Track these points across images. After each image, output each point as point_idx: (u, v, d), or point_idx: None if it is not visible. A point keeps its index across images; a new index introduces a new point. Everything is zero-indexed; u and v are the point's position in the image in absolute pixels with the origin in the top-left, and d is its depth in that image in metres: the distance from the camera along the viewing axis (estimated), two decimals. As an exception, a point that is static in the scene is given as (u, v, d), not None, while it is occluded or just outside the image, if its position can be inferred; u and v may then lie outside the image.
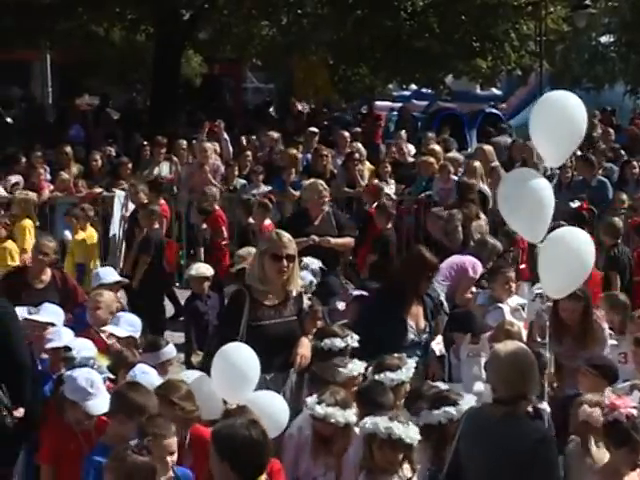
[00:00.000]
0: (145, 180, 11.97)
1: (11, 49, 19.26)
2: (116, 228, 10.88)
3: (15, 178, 11.92)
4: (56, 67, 26.11)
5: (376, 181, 11.49)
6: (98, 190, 11.73)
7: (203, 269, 8.05)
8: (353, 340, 5.49)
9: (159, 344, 5.52)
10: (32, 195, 10.56)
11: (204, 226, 10.36)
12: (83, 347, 5.23)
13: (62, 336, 5.42)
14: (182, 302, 9.13)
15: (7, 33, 17.48)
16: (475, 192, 9.69)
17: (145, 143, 13.37)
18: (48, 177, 12.02)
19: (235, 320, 5.33)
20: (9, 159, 12.63)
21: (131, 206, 10.61)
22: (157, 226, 9.17)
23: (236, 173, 12.21)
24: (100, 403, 4.58)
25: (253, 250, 6.94)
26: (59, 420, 4.70)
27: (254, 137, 14.60)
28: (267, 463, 3.79)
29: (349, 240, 8.32)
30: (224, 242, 10.10)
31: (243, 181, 12.08)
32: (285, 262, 5.38)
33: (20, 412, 5.10)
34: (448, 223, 9.03)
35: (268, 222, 9.86)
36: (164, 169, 12.64)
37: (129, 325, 5.80)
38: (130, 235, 9.67)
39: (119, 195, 11.37)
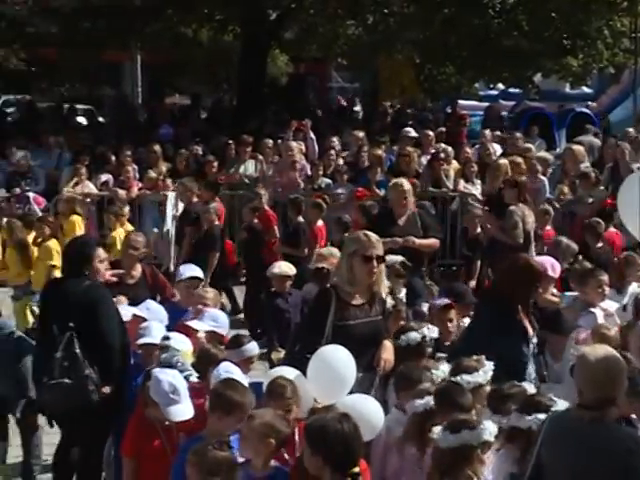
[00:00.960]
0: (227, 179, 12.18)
1: (103, 51, 19.78)
2: (168, 227, 10.90)
3: (105, 177, 12.23)
4: (146, 68, 26.70)
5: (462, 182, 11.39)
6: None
7: (285, 267, 8.05)
8: (431, 331, 5.45)
9: (242, 341, 5.55)
10: (92, 190, 10.65)
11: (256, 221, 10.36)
12: (180, 341, 5.35)
13: (153, 332, 5.53)
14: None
15: (99, 35, 17.97)
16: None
17: (230, 142, 13.54)
18: (137, 175, 12.29)
19: (321, 320, 5.33)
20: (100, 158, 12.95)
21: (181, 206, 10.75)
22: (217, 222, 9.19)
23: (321, 172, 12.24)
24: (181, 409, 4.67)
25: (334, 250, 6.94)
26: (144, 415, 4.79)
27: (339, 137, 14.62)
28: (360, 456, 3.79)
29: (434, 241, 8.20)
30: (274, 240, 10.16)
31: (328, 180, 12.10)
32: (375, 263, 5.36)
33: (107, 389, 5.37)
34: (508, 220, 8.86)
35: (320, 223, 9.89)
36: (249, 168, 12.77)
37: (212, 320, 5.88)
38: (180, 234, 9.75)
39: (171, 196, 11.52)
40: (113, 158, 12.77)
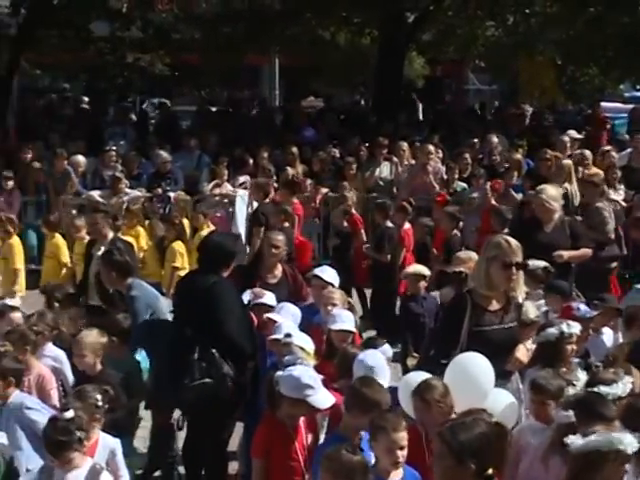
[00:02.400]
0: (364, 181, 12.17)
1: (243, 55, 20.23)
2: (241, 227, 10.87)
3: (243, 178, 12.46)
4: (284, 70, 27.12)
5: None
6: (324, 190, 12.00)
7: (419, 268, 7.93)
8: (570, 327, 5.29)
9: (376, 343, 5.53)
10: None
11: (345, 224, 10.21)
12: (302, 339, 5.39)
13: (284, 331, 5.58)
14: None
15: (240, 40, 18.39)
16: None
17: (365, 144, 13.53)
18: (274, 177, 12.45)
19: (456, 325, 5.23)
20: (239, 160, 13.22)
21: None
22: (287, 224, 9.14)
23: (456, 176, 12.06)
24: (325, 397, 4.71)
25: (473, 254, 6.79)
26: (272, 417, 4.82)
27: (475, 140, 14.37)
28: (501, 458, 3.66)
29: (585, 252, 7.78)
30: (363, 245, 10.05)
31: (463, 184, 11.91)
32: (514, 270, 5.23)
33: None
34: (596, 216, 8.59)
35: (407, 226, 9.72)
36: (384, 170, 12.73)
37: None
38: (250, 233, 9.74)
39: (242, 195, 11.53)
40: (251, 160, 12.99)
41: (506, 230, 9.07)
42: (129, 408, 5.55)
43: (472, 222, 10.42)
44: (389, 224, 9.68)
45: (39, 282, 9.59)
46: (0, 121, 15.84)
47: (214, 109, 21.13)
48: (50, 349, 5.90)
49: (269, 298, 6.29)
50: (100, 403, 4.79)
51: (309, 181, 11.88)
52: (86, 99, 21.89)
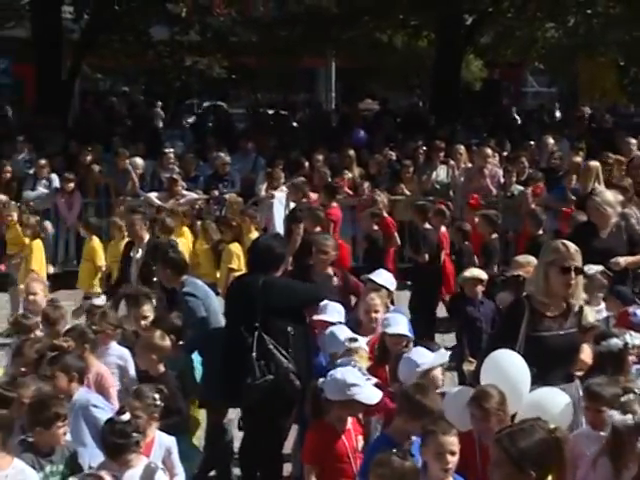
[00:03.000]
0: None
1: (299, 57, 20.31)
2: (279, 229, 10.79)
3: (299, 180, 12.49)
4: (340, 73, 27.15)
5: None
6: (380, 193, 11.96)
7: (477, 272, 7.84)
8: (633, 337, 5.18)
9: (432, 348, 5.49)
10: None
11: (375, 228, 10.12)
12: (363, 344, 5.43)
13: (339, 334, 5.59)
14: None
15: (297, 42, 18.47)
16: None
17: (423, 147, 13.46)
18: (329, 180, 12.45)
19: (513, 330, 5.16)
20: (294, 162, 13.25)
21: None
22: (318, 229, 9.07)
23: (514, 179, 11.91)
24: (372, 393, 4.72)
25: (532, 259, 6.69)
26: (320, 421, 4.82)
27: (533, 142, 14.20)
28: (564, 463, 3.59)
29: None
30: (395, 248, 10.00)
31: (520, 187, 11.75)
32: (572, 275, 5.13)
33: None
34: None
35: (444, 229, 9.68)
36: (441, 173, 12.64)
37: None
38: (287, 233, 9.68)
39: (279, 197, 11.49)
40: (306, 163, 13.02)
41: (540, 232, 9.15)
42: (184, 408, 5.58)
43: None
44: (427, 226, 9.65)
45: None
46: (62, 124, 16.13)
47: (270, 112, 21.26)
48: (115, 347, 5.96)
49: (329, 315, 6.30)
50: (158, 402, 4.84)
51: (366, 184, 11.85)
52: (145, 102, 22.21)
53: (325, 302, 6.12)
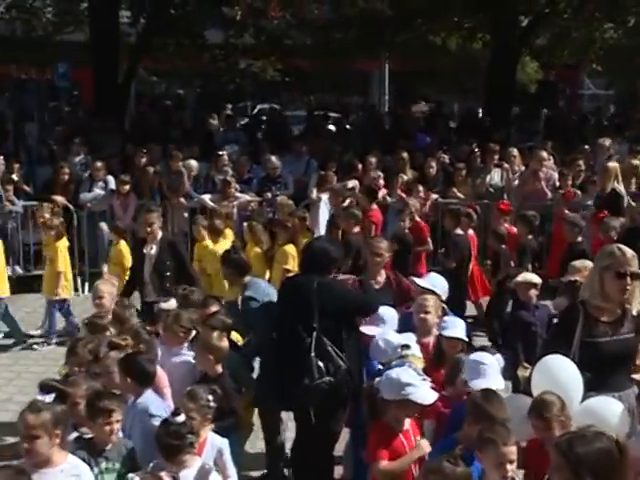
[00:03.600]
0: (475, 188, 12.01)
1: (353, 60, 20.31)
2: (322, 232, 10.72)
3: (352, 183, 12.47)
4: (393, 76, 27.10)
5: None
6: (434, 196, 11.90)
7: (530, 276, 7.74)
8: None
9: (487, 351, 5.43)
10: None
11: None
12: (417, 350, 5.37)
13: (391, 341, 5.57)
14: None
15: (351, 45, 18.47)
16: None
17: (476, 150, 13.35)
18: (382, 182, 12.42)
19: (568, 336, 5.08)
20: (347, 165, 13.24)
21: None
22: (357, 230, 8.96)
23: (570, 182, 11.74)
24: (427, 393, 4.71)
25: (589, 263, 6.58)
26: (379, 423, 4.81)
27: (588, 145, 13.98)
28: (626, 474, 3.48)
29: None
30: (427, 252, 9.94)
31: (577, 191, 11.58)
32: (628, 280, 5.03)
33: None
34: None
35: (471, 232, 9.64)
36: (495, 177, 12.52)
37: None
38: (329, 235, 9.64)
39: (325, 200, 11.41)
40: (360, 165, 13.00)
41: (580, 238, 9.08)
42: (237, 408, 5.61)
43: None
44: (459, 231, 9.58)
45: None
46: (118, 127, 16.38)
47: (324, 114, 21.29)
48: (186, 349, 6.00)
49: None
50: (211, 404, 4.87)
51: (420, 187, 11.80)
52: (199, 104, 22.42)
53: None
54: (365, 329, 5.93)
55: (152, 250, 8.33)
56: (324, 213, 11.39)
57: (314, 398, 5.51)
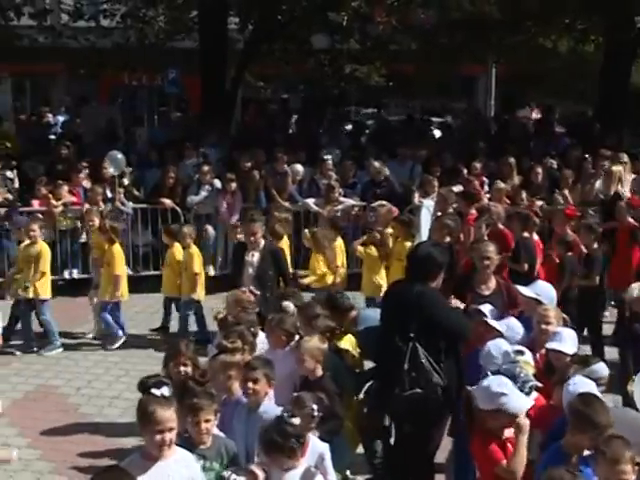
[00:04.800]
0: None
1: (459, 65, 20.07)
2: (424, 236, 10.48)
3: (456, 188, 12.31)
4: (500, 80, 26.66)
5: None
6: (539, 203, 11.62)
7: (646, 290, 7.44)
8: None
9: (589, 361, 5.26)
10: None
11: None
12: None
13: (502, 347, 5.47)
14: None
15: (457, 50, 18.25)
16: None
17: (587, 156, 12.96)
18: (486, 188, 12.22)
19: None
20: (452, 170, 13.08)
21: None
22: (448, 239, 8.80)
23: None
24: (520, 401, 4.63)
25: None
26: (479, 429, 4.73)
27: None
28: None
29: None
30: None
31: (695, 199, 11.10)
32: None
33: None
34: None
35: (535, 237, 9.55)
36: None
37: (572, 341, 5.61)
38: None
39: (427, 205, 11.16)
40: (465, 170, 12.82)
41: (596, 245, 8.95)
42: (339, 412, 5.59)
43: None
44: (526, 234, 9.38)
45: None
46: (225, 132, 16.65)
47: (428, 119, 21.12)
48: (288, 353, 5.99)
49: (485, 308, 6.24)
50: (315, 413, 4.86)
51: (523, 193, 11.56)
52: (304, 109, 22.58)
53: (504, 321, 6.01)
54: (491, 322, 5.90)
55: (253, 257, 8.42)
56: (426, 219, 11.30)
57: (402, 407, 5.48)
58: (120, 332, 9.79)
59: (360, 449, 6.32)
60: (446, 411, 5.62)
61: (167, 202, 12.16)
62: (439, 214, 10.10)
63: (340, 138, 17.70)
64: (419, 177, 13.09)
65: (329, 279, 9.81)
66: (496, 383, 4.65)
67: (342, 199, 12.26)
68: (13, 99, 28.08)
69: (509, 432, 4.68)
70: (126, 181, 12.82)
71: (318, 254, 9.93)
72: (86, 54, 19.88)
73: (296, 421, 4.44)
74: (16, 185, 12.71)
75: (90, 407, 8.00)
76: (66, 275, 11.96)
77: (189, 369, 5.49)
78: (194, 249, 10.00)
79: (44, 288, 9.64)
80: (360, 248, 9.98)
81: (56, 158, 13.92)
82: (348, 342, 6.41)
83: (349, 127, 21.10)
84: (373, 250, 9.87)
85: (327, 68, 19.76)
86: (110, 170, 12.10)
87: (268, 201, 12.42)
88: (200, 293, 9.86)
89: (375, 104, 28.14)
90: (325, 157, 13.62)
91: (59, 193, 11.96)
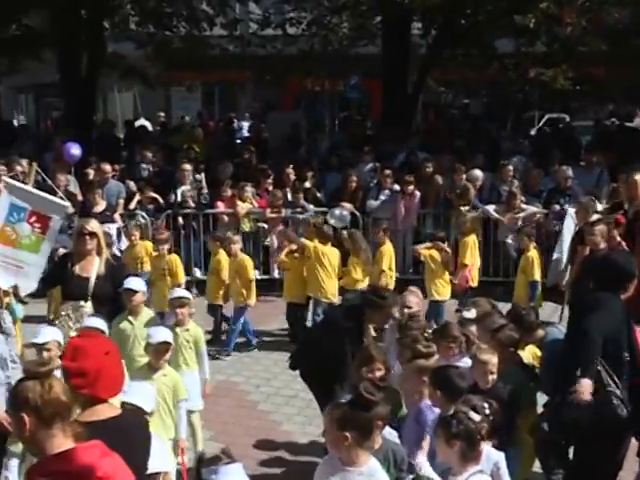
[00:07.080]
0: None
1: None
2: (565, 244, 10.13)
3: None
4: None
5: None
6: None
7: None
8: None
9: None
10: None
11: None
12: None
13: None
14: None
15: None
16: None
17: None
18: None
19: None
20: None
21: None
22: (603, 245, 8.31)
23: None
24: None
25: None
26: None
27: None
28: None
29: None
30: None
31: None
32: None
33: None
34: None
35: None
36: None
37: None
38: (572, 252, 9.37)
39: (570, 213, 10.53)
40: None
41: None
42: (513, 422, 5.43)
43: None
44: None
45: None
46: (406, 136, 16.62)
47: (619, 124, 20.20)
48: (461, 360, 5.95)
49: None
50: (487, 411, 4.73)
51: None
52: (486, 114, 22.21)
53: None
54: None
55: None
56: (569, 227, 10.87)
57: (570, 414, 5.27)
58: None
59: (537, 465, 6.12)
60: (619, 425, 5.33)
61: (347, 206, 12.29)
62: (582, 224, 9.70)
63: (522, 143, 17.27)
64: (606, 184, 12.53)
65: (364, 281, 9.88)
66: None
67: (524, 206, 11.94)
68: (202, 105, 29.47)
69: None
70: (307, 184, 13.07)
71: (354, 256, 10.02)
72: (272, 61, 20.47)
73: (476, 417, 4.33)
74: (204, 188, 13.24)
75: (268, 405, 8.21)
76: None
77: (382, 373, 5.50)
78: (244, 256, 9.98)
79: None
80: (425, 252, 9.96)
81: (241, 162, 14.44)
82: (529, 352, 6.22)
83: (532, 132, 20.56)
84: (436, 254, 9.87)
85: (511, 72, 19.28)
86: (331, 221, 11.67)
87: (447, 207, 12.31)
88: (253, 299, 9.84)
89: (559, 109, 27.25)
90: (505, 162, 13.30)
91: (244, 195, 12.37)
